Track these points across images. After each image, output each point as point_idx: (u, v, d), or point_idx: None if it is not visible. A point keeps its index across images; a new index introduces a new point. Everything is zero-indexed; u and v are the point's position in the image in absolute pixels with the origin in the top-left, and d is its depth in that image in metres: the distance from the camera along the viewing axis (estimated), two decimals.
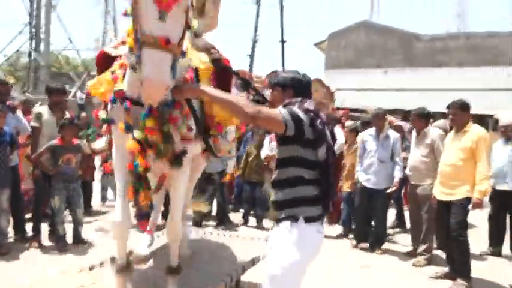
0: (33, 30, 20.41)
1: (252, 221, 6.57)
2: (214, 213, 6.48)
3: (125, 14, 2.27)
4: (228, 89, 2.92)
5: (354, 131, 6.37)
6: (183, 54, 2.39)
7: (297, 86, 2.53)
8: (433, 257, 5.21)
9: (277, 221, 2.42)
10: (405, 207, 6.47)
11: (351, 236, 6.04)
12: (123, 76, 2.60)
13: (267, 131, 5.70)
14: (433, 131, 5.34)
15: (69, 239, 5.10)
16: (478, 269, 4.74)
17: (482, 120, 16.32)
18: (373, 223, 5.69)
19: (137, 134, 2.47)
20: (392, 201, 6.32)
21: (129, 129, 2.50)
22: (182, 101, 2.51)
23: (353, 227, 6.01)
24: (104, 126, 3.02)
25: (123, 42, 2.84)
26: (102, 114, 2.78)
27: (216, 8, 3.18)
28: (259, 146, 6.37)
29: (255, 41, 16.50)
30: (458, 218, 4.41)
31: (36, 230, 4.98)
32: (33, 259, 4.64)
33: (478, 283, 4.59)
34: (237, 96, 2.56)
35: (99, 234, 5.54)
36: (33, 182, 5.13)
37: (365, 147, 5.57)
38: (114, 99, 2.58)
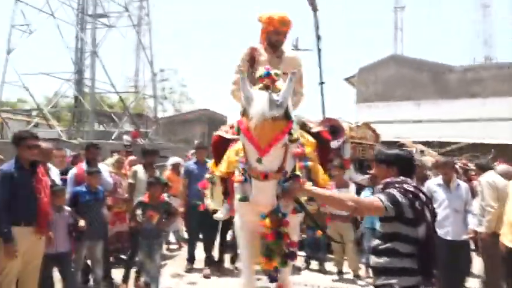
0: (76, 75, 21.78)
1: (313, 264, 6.45)
2: None
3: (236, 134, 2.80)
4: (327, 159, 3.36)
5: None
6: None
7: (401, 164, 2.76)
8: None
9: (376, 286, 2.66)
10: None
11: None
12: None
13: None
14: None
15: None
16: None
17: None
18: None
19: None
20: None
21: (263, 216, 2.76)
22: (291, 199, 2.74)
23: None
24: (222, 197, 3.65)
25: (232, 127, 3.43)
26: (237, 194, 3.11)
27: (300, 84, 3.55)
28: None
29: None
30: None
31: (126, 278, 5.33)
32: None
33: None
34: (336, 193, 2.85)
35: (175, 281, 5.76)
36: (131, 234, 5.46)
37: (434, 198, 5.07)
38: (246, 179, 2.94)
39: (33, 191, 3.91)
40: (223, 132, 3.58)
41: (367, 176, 6.66)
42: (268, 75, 2.79)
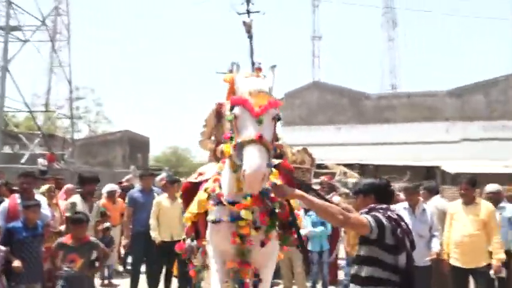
0: None
1: None
2: None
3: (228, 139, 2.83)
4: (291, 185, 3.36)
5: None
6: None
7: (377, 192, 2.85)
8: None
9: None
10: None
11: None
12: (220, 186, 3.04)
13: None
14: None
15: None
16: None
17: (431, 171, 17.84)
18: None
19: (244, 214, 2.82)
20: None
21: (233, 220, 2.88)
22: (282, 200, 2.89)
23: None
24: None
25: (200, 174, 3.49)
26: (211, 216, 3.06)
27: None
28: None
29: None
30: (485, 283, 4.76)
31: None
32: None
33: None
34: (330, 204, 2.78)
35: None
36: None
37: None
38: (218, 201, 2.98)
39: None
40: (193, 178, 3.54)
41: None
42: (258, 68, 3.12)
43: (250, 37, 11.90)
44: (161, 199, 5.91)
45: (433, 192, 5.81)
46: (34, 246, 4.44)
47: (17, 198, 4.87)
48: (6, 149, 22.70)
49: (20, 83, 21.25)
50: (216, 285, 3.06)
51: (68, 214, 5.10)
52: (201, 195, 3.24)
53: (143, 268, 6.06)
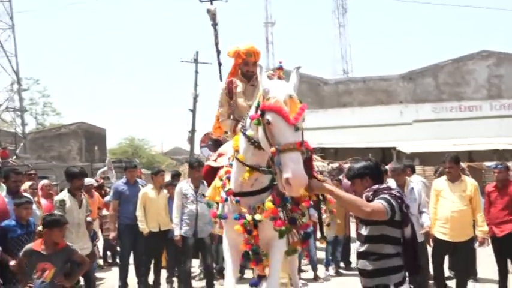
0: None
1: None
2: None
3: (245, 136, 2.94)
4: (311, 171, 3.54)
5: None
6: None
7: (371, 173, 3.01)
8: None
9: None
10: None
11: None
12: (228, 179, 3.18)
13: None
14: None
15: None
16: None
17: (387, 152, 18.73)
18: None
19: (258, 216, 3.00)
20: None
21: (237, 218, 3.05)
22: (312, 195, 3.01)
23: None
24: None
25: (220, 155, 3.58)
26: (218, 211, 3.29)
27: None
28: None
29: (195, 97, 17.07)
30: (470, 255, 5.08)
31: None
32: None
33: None
34: (356, 197, 2.91)
35: None
36: None
37: None
38: (226, 198, 3.14)
39: None
40: (212, 161, 3.67)
41: None
42: (280, 67, 3.14)
43: (215, 25, 11.89)
44: (147, 190, 5.96)
45: (413, 170, 6.26)
46: (27, 244, 4.35)
47: (3, 196, 4.74)
48: None
49: None
50: (229, 274, 3.27)
51: (57, 212, 4.99)
52: (217, 182, 3.38)
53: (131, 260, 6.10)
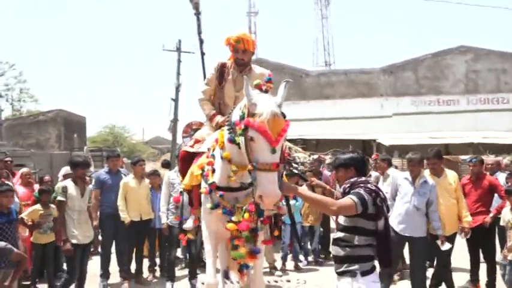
0: None
1: None
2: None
3: (231, 142, 2.97)
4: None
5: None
6: None
7: (356, 164, 3.15)
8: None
9: (339, 273, 3.01)
10: None
11: None
12: (213, 171, 3.22)
13: None
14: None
15: None
16: None
17: (368, 144, 19.04)
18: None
19: (235, 218, 3.09)
20: None
21: (226, 213, 3.14)
22: (281, 197, 3.13)
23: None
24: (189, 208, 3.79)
25: (196, 141, 3.63)
26: (206, 203, 3.27)
27: None
28: None
29: (177, 86, 16.88)
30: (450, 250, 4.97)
31: None
32: None
33: None
34: (322, 197, 3.09)
35: None
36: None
37: (398, 190, 5.00)
38: (211, 190, 3.19)
39: None
40: (189, 147, 3.69)
41: None
42: (269, 80, 3.11)
43: (198, 14, 11.79)
44: (128, 180, 5.98)
45: (389, 164, 6.37)
46: (10, 232, 4.33)
47: None
48: None
49: None
50: (209, 263, 3.35)
51: (60, 198, 5.00)
52: (195, 169, 3.43)
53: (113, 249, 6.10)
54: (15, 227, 4.50)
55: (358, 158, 3.22)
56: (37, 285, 5.80)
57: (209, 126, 3.82)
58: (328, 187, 3.79)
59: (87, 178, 5.94)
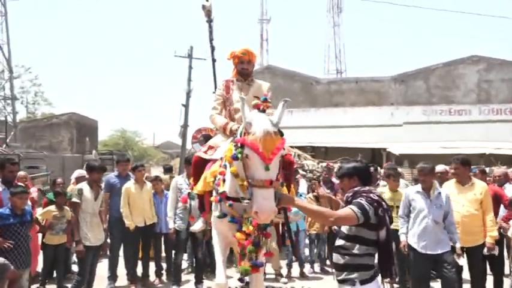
0: None
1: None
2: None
3: (234, 158, 3.03)
4: (291, 180, 3.74)
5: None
6: None
7: (360, 174, 3.15)
8: None
9: (339, 281, 3.02)
10: None
11: None
12: (223, 181, 3.30)
13: None
14: None
15: None
16: None
17: (377, 152, 18.97)
18: None
19: (244, 227, 3.16)
20: None
21: (233, 221, 3.23)
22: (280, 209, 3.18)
23: None
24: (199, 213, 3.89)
25: (210, 147, 3.75)
26: (215, 212, 3.38)
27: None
28: None
29: (188, 92, 17.08)
30: (479, 261, 4.79)
31: None
32: None
33: None
34: (320, 209, 3.18)
35: None
36: None
37: (412, 206, 4.69)
38: (221, 199, 3.28)
39: None
40: (202, 153, 3.78)
41: None
42: (265, 100, 3.17)
43: (210, 21, 11.94)
44: (129, 185, 5.99)
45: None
46: (22, 233, 4.45)
47: None
48: None
49: None
50: (219, 262, 3.38)
51: (75, 200, 5.13)
52: (208, 176, 3.51)
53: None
54: (28, 228, 4.61)
55: (362, 167, 3.23)
56: (46, 286, 5.90)
57: (223, 135, 3.90)
58: (334, 197, 3.83)
59: None
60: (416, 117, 19.79)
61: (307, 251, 7.12)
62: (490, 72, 20.29)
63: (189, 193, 4.15)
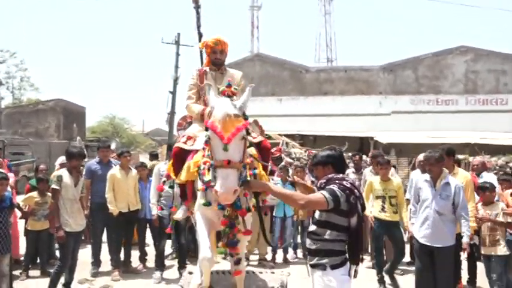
0: None
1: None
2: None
3: (205, 142, 3.10)
4: (267, 166, 3.71)
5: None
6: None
7: (334, 162, 3.17)
8: None
9: (311, 265, 3.10)
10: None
11: None
12: (208, 170, 3.25)
13: None
14: None
15: None
16: None
17: (365, 141, 19.11)
18: None
19: (226, 212, 3.20)
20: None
21: (222, 208, 3.22)
22: (251, 193, 3.22)
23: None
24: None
25: (189, 138, 3.73)
26: (201, 199, 3.37)
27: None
28: None
29: (175, 79, 16.93)
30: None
31: None
32: None
33: None
34: (291, 192, 3.21)
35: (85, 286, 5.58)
36: None
37: (419, 195, 4.58)
38: (207, 187, 3.25)
39: None
40: (182, 143, 3.76)
41: None
42: (229, 85, 3.23)
43: (198, 7, 11.83)
44: (115, 171, 5.98)
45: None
46: (1, 219, 4.44)
47: None
48: None
49: None
50: (203, 237, 3.39)
51: (54, 186, 5.09)
52: (191, 166, 3.51)
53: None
54: (8, 214, 4.59)
55: (336, 156, 3.22)
56: (29, 272, 5.90)
57: (199, 123, 3.89)
58: (309, 185, 3.85)
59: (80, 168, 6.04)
60: (404, 107, 19.96)
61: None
62: (478, 62, 20.46)
63: (164, 181, 4.13)
